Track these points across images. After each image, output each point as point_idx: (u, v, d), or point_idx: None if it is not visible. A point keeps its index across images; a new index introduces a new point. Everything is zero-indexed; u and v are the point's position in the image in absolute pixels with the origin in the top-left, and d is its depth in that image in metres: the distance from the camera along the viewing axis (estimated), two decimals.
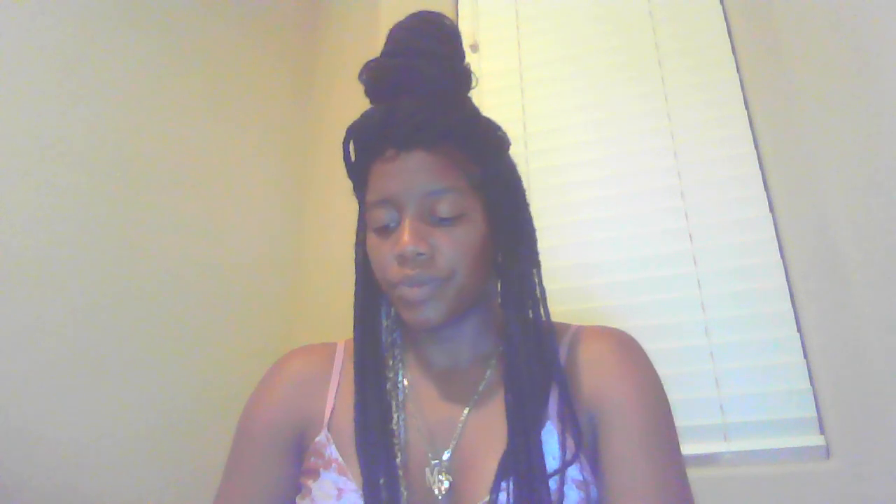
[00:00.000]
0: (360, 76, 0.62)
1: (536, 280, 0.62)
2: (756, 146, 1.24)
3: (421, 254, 0.56)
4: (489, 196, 0.61)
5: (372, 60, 0.62)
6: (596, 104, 1.40)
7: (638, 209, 1.28)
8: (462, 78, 0.63)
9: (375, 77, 0.61)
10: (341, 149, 0.62)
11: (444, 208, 0.57)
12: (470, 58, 1.51)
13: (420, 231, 0.57)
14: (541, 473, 0.53)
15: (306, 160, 1.58)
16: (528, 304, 0.60)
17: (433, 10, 0.65)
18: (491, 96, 1.48)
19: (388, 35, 0.63)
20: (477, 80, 0.66)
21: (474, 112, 0.63)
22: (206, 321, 1.18)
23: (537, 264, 0.64)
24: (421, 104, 0.58)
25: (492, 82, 1.50)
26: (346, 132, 0.61)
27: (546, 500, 0.52)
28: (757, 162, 1.23)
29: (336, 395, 0.65)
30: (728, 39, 1.35)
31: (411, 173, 0.57)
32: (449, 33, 0.63)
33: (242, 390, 0.75)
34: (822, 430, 1.04)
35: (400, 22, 0.64)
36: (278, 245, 1.46)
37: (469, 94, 0.66)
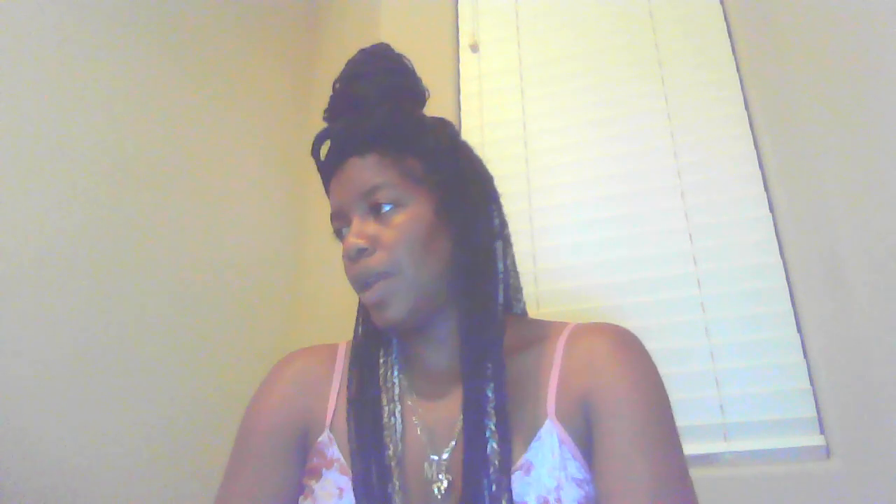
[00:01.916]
0: (323, 118, 0.68)
1: (495, 269, 0.64)
2: (756, 146, 1.24)
3: (362, 248, 0.60)
4: (436, 188, 0.63)
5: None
6: (596, 104, 1.40)
7: (638, 209, 1.28)
8: (398, 90, 0.67)
9: (327, 112, 0.68)
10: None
11: (381, 197, 0.61)
12: (470, 58, 1.53)
13: (362, 228, 0.61)
14: (483, 468, 0.54)
15: (306, 161, 1.57)
16: (480, 291, 0.61)
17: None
18: (491, 96, 1.49)
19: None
20: (429, 92, 0.70)
21: (401, 113, 0.65)
22: (206, 321, 1.19)
23: (493, 254, 0.65)
24: (349, 120, 0.64)
25: (492, 82, 1.50)
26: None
27: (485, 493, 0.53)
28: (757, 162, 1.23)
29: (338, 396, 0.65)
30: (728, 39, 1.35)
31: (348, 180, 0.62)
32: (381, 55, 0.68)
33: (242, 390, 0.75)
34: (822, 430, 1.04)
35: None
36: (278, 245, 1.46)
37: (417, 104, 0.70)
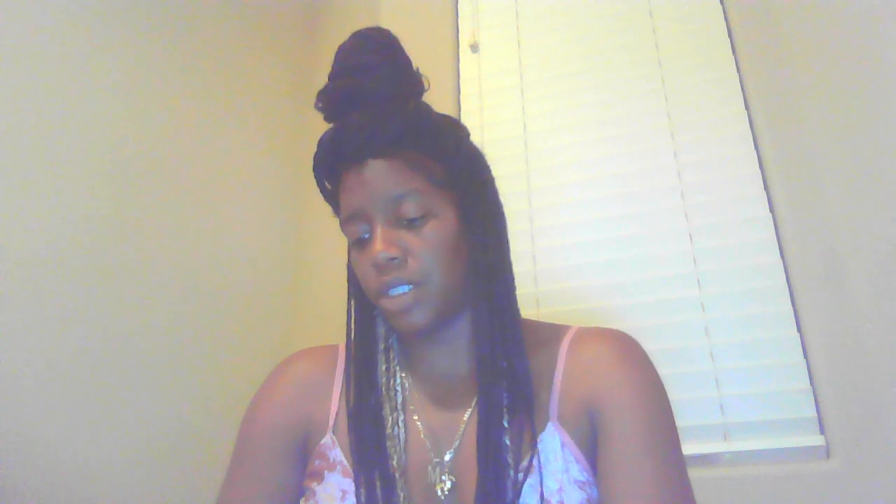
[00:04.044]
0: (315, 105, 0.63)
1: (505, 272, 0.64)
2: (756, 146, 1.24)
3: (393, 258, 0.57)
4: (457, 192, 0.62)
5: (321, 89, 0.63)
6: (596, 104, 1.40)
7: (638, 209, 1.28)
8: (405, 84, 0.63)
9: (324, 102, 0.63)
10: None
11: (409, 209, 0.58)
12: (470, 58, 1.53)
13: (390, 236, 0.58)
14: (500, 471, 0.54)
15: (306, 160, 1.57)
16: (497, 293, 0.61)
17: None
18: (491, 96, 1.48)
19: (334, 58, 0.64)
20: (429, 82, 0.66)
21: (425, 113, 0.62)
22: (205, 321, 1.18)
23: (506, 255, 0.65)
24: (366, 116, 0.59)
25: (492, 82, 1.50)
26: (313, 165, 0.64)
27: (503, 497, 0.53)
28: (757, 162, 1.23)
29: (341, 398, 0.65)
30: (728, 39, 1.35)
31: (371, 183, 0.58)
32: (386, 44, 0.64)
33: (242, 390, 0.75)
34: (822, 430, 1.04)
35: (341, 44, 0.64)
36: (278, 246, 1.46)
37: (420, 98, 0.66)
